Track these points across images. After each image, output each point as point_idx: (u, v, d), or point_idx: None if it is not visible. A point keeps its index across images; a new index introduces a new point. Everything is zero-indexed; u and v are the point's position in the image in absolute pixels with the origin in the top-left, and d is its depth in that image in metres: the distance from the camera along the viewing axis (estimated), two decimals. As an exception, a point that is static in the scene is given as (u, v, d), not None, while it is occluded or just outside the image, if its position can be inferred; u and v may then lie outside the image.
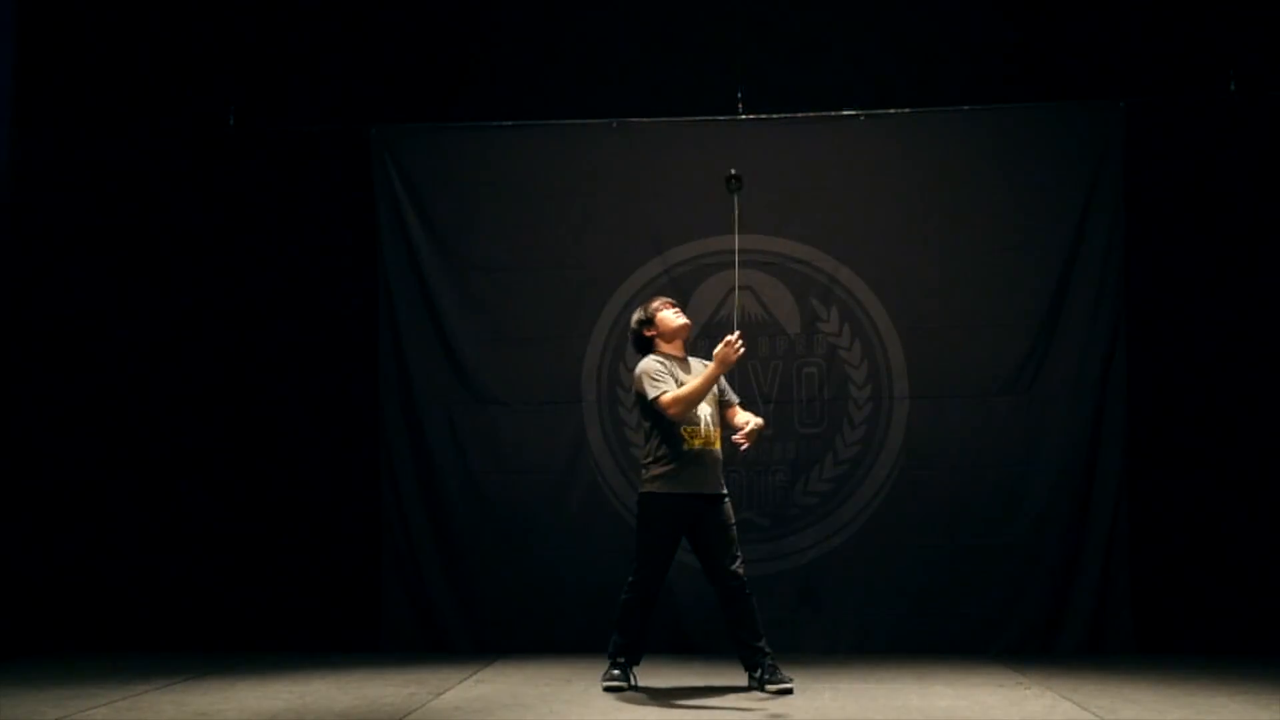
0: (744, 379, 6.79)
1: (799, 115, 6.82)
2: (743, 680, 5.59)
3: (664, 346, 5.58)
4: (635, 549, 5.49)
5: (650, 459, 5.47)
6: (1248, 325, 6.58)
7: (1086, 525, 6.57)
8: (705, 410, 5.46)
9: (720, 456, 5.52)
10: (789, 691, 5.33)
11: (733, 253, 6.79)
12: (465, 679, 5.86)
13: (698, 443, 5.40)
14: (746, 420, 5.46)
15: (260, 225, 7.00)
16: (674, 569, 6.69)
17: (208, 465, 6.92)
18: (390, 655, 6.60)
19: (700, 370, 5.51)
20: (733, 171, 5.56)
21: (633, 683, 5.50)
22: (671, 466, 5.40)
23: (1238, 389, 6.57)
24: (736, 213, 5.51)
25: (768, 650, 5.43)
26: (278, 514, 6.88)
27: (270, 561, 6.86)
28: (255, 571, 6.86)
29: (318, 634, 6.78)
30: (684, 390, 5.37)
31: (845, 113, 6.81)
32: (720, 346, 5.28)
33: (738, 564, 5.44)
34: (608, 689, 5.43)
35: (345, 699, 5.37)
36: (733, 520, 5.52)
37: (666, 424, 5.41)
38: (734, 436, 5.42)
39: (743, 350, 5.29)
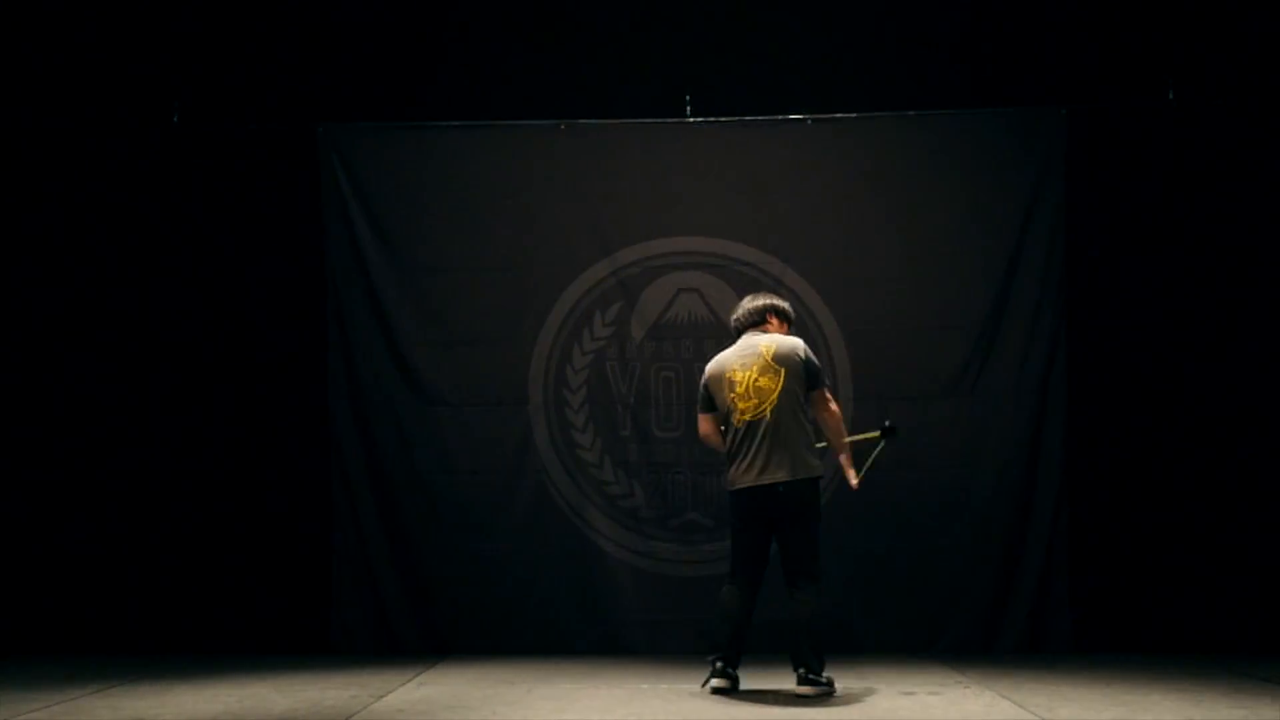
0: (691, 381, 6.80)
1: (746, 118, 6.85)
2: (683, 681, 5.65)
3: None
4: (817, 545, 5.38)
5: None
6: (1186, 329, 6.69)
7: (1027, 527, 6.65)
8: None
9: None
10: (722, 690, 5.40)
11: (680, 254, 6.87)
12: (408, 681, 5.84)
13: None
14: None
15: (206, 224, 6.93)
16: (616, 569, 6.76)
17: (152, 465, 6.84)
18: (338, 657, 6.56)
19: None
20: (887, 423, 5.76)
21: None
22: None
23: (1176, 392, 6.68)
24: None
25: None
26: (226, 515, 6.82)
27: (219, 563, 6.80)
28: (203, 573, 6.79)
29: (267, 636, 6.73)
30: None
31: (792, 117, 6.85)
32: None
33: None
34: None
35: (285, 702, 5.33)
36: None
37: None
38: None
39: None
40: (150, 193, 6.94)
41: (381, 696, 5.44)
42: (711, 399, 5.47)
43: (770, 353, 5.36)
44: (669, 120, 6.87)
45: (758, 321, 5.52)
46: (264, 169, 6.93)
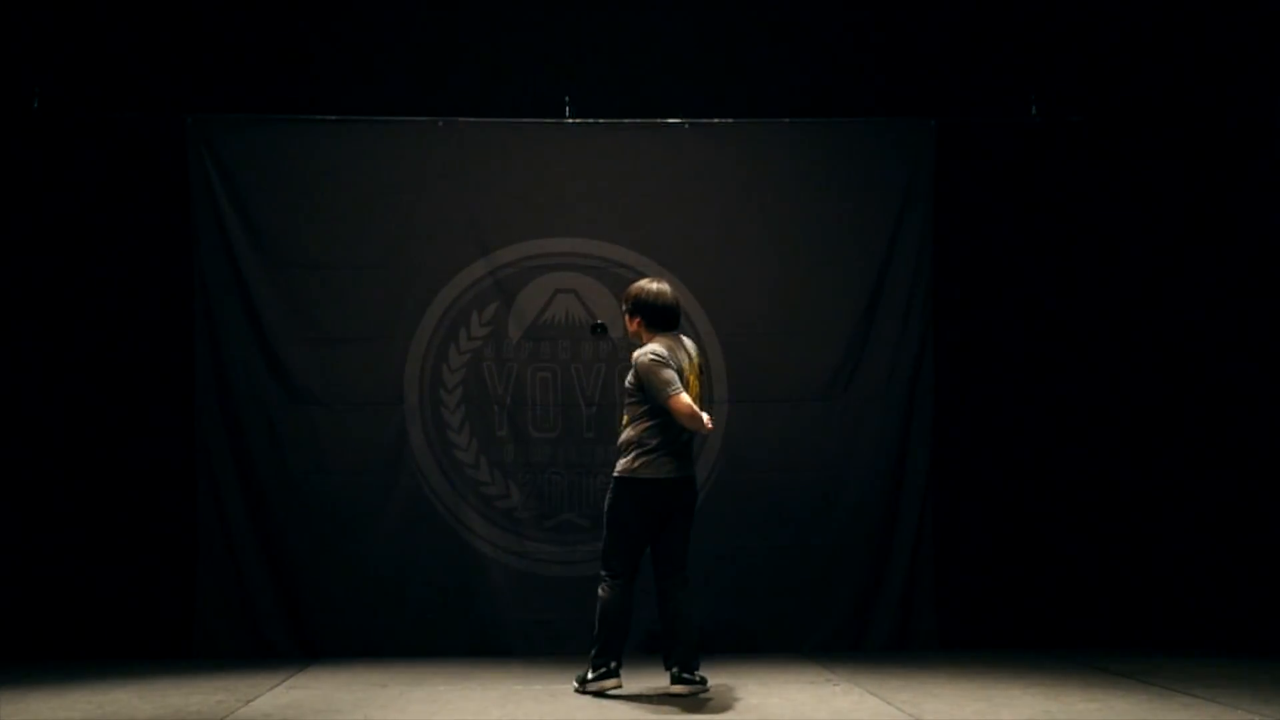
0: (567, 382, 6.84)
1: (625, 121, 6.88)
2: (558, 682, 5.65)
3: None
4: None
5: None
6: (1048, 334, 6.94)
7: (895, 527, 6.81)
8: None
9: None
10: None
11: (558, 255, 6.88)
12: (277, 685, 5.73)
13: None
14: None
15: (67, 216, 6.70)
16: (491, 570, 6.74)
17: (7, 462, 6.59)
18: (203, 661, 6.40)
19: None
20: (599, 322, 6.07)
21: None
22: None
23: (1037, 396, 6.92)
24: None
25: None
26: (86, 516, 6.60)
27: (78, 564, 6.57)
28: (61, 575, 6.56)
29: (129, 640, 6.54)
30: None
31: (670, 120, 6.90)
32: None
33: None
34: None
35: (148, 708, 5.20)
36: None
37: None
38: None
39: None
40: (7, 182, 6.68)
41: (249, 701, 5.34)
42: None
43: (697, 358, 5.61)
44: (548, 120, 6.87)
45: (679, 325, 5.60)
46: (130, 160, 6.72)
